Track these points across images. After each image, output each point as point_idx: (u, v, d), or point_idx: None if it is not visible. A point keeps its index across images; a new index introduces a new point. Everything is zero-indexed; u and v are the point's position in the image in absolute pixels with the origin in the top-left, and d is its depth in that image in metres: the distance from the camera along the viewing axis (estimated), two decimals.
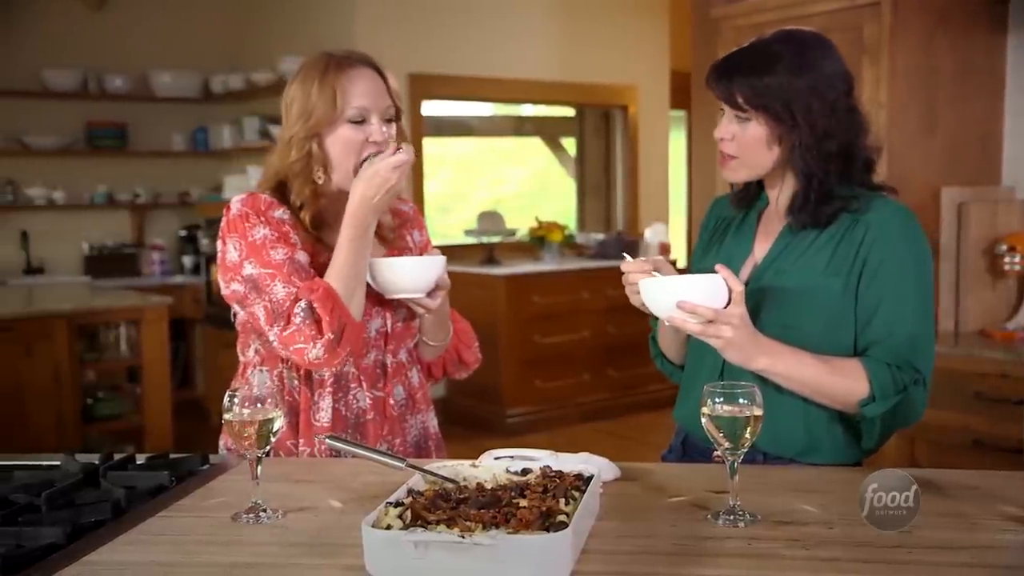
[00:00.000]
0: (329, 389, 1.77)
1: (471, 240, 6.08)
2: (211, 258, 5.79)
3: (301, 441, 1.77)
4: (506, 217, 6.20)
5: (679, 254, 7.05)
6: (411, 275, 1.75)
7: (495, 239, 6.04)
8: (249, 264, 1.69)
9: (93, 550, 1.26)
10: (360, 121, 1.73)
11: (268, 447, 1.39)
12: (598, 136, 7.15)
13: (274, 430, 1.38)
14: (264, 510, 1.37)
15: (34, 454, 1.72)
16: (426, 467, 1.37)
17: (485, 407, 5.56)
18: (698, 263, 1.77)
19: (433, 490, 1.30)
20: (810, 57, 1.58)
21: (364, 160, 1.73)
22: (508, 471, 1.38)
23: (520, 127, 7.55)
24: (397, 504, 1.23)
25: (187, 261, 6.40)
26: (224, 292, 1.75)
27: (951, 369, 2.69)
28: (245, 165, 5.85)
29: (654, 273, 1.57)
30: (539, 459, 1.42)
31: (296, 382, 1.77)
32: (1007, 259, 2.99)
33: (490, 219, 6.11)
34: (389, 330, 1.82)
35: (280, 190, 1.79)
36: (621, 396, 5.89)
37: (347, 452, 1.46)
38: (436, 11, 5.82)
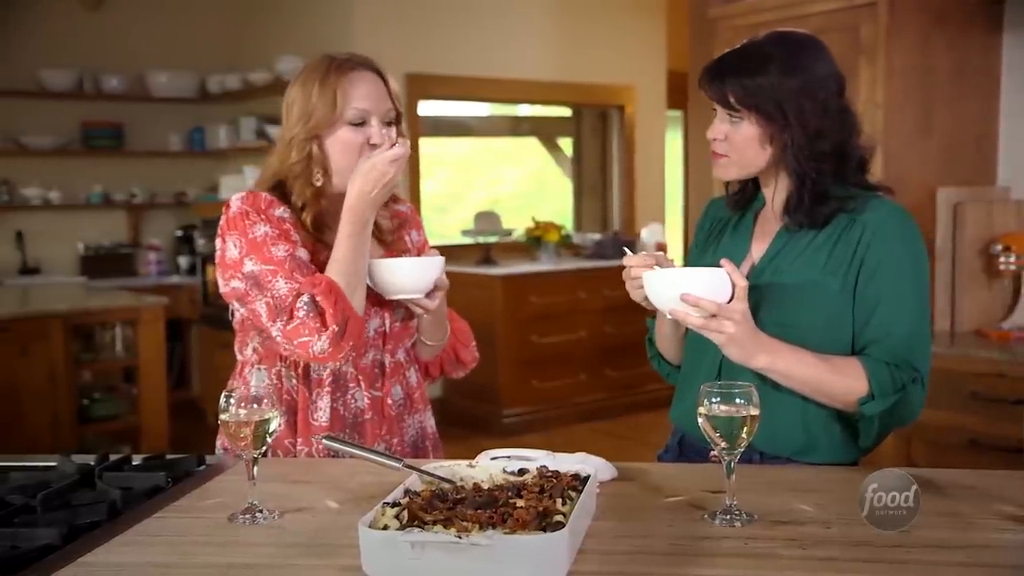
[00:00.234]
0: (327, 388, 1.77)
1: (468, 240, 6.07)
2: (207, 258, 5.79)
3: (299, 440, 1.77)
4: (503, 217, 6.20)
5: (675, 254, 7.03)
6: (410, 276, 1.75)
7: (492, 239, 6.04)
8: (250, 261, 1.69)
9: (89, 551, 1.25)
10: (360, 123, 1.73)
11: (264, 448, 1.38)
12: (595, 136, 7.15)
13: (270, 431, 1.38)
14: (260, 511, 1.37)
15: (30, 455, 1.71)
16: (423, 467, 1.37)
17: (482, 407, 5.56)
18: (694, 264, 1.77)
19: (430, 490, 1.30)
20: (802, 58, 1.59)
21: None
22: (505, 471, 1.38)
23: (517, 127, 7.55)
24: (394, 504, 1.23)
25: (183, 261, 6.39)
26: (223, 290, 1.74)
27: (947, 369, 2.69)
28: (242, 165, 5.85)
29: (656, 267, 1.57)
30: (536, 459, 1.42)
31: (294, 381, 1.77)
32: (1003, 259, 2.99)
33: (487, 219, 6.11)
34: (387, 330, 1.82)
35: (279, 190, 1.79)
36: (618, 396, 5.89)
37: (344, 452, 1.46)
38: (434, 11, 5.82)
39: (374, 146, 1.73)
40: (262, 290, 1.67)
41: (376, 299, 1.78)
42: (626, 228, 6.79)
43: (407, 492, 1.28)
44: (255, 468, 1.38)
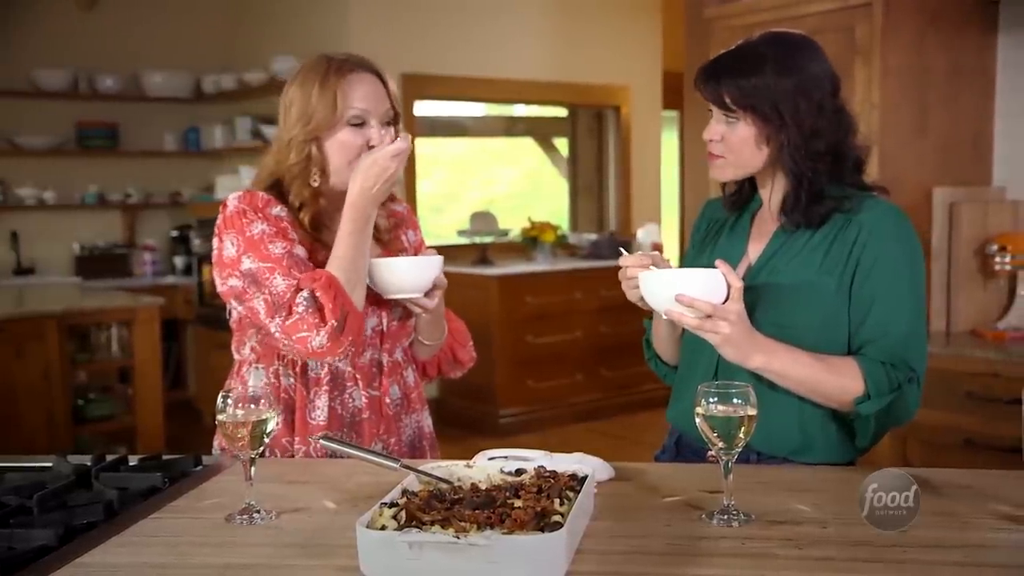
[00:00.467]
0: (325, 387, 1.77)
1: (464, 240, 6.07)
2: (203, 258, 5.79)
3: (296, 439, 1.77)
4: (498, 217, 6.20)
5: (671, 254, 7.06)
6: (409, 275, 1.75)
7: (488, 239, 6.04)
8: (247, 259, 1.68)
9: (86, 552, 1.25)
10: (360, 124, 1.73)
11: (262, 448, 1.38)
12: (591, 136, 7.15)
13: (268, 431, 1.38)
14: (258, 511, 1.37)
15: (25, 456, 1.71)
16: (420, 468, 1.37)
17: (478, 407, 5.56)
18: (691, 265, 1.77)
19: (427, 490, 1.30)
20: (796, 58, 1.60)
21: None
22: (502, 471, 1.38)
23: (512, 127, 7.55)
24: (392, 505, 1.23)
25: (179, 262, 6.38)
26: (221, 288, 1.74)
27: (943, 369, 2.70)
28: (237, 165, 5.84)
29: (652, 267, 1.57)
30: (533, 459, 1.42)
31: (292, 380, 1.77)
32: (998, 259, 3.00)
33: (483, 219, 6.11)
34: (385, 329, 1.82)
35: (275, 189, 1.79)
36: (614, 396, 5.90)
37: (341, 452, 1.46)
38: (429, 11, 5.82)
39: (373, 147, 1.73)
40: (260, 287, 1.67)
41: (374, 298, 1.78)
42: (622, 228, 6.80)
43: (405, 492, 1.28)
44: (252, 468, 1.38)
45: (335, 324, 1.63)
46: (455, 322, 1.99)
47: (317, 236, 1.79)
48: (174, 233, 6.47)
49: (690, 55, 4.08)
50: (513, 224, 6.24)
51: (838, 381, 1.55)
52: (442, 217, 6.91)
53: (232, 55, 6.36)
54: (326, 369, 1.77)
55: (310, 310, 1.63)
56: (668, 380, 1.86)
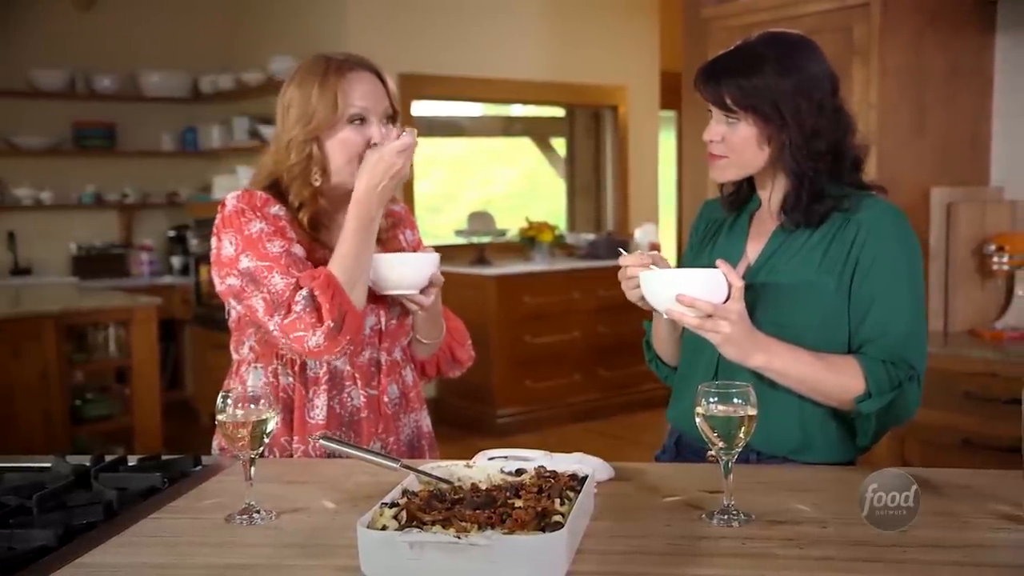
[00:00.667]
0: (324, 387, 1.77)
1: (462, 240, 6.07)
2: (200, 258, 5.78)
3: (295, 438, 1.77)
4: (495, 217, 6.20)
5: (669, 254, 7.05)
6: (405, 271, 1.75)
7: (485, 239, 6.04)
8: (246, 258, 1.69)
9: (85, 552, 1.25)
10: (360, 123, 1.74)
11: (262, 448, 1.38)
12: (588, 136, 7.15)
13: (268, 431, 1.38)
14: (258, 511, 1.37)
15: (23, 456, 1.71)
16: (420, 468, 1.36)
17: (476, 407, 5.55)
18: (690, 266, 1.77)
19: (428, 491, 1.29)
20: (796, 58, 1.60)
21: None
22: (502, 471, 1.38)
23: (510, 127, 7.55)
24: (392, 505, 1.22)
25: (176, 262, 6.37)
26: (219, 288, 1.74)
27: (941, 369, 2.70)
28: (235, 165, 5.84)
29: (652, 267, 1.57)
30: (533, 459, 1.42)
31: (291, 379, 1.77)
32: (995, 259, 3.01)
33: (480, 219, 6.11)
34: (383, 327, 1.82)
35: (273, 189, 1.79)
36: (612, 396, 5.90)
37: (341, 452, 1.46)
38: (427, 11, 5.81)
39: (375, 144, 1.73)
40: (258, 286, 1.67)
41: (372, 297, 1.78)
42: (619, 228, 6.80)
43: (405, 492, 1.28)
44: (252, 468, 1.38)
45: (331, 325, 1.63)
46: (453, 321, 1.99)
47: (316, 236, 1.79)
48: (171, 233, 6.47)
49: (688, 55, 4.08)
50: (510, 224, 6.24)
51: (839, 379, 1.55)
52: (440, 217, 6.90)
53: (230, 55, 6.36)
54: (324, 368, 1.77)
55: (308, 309, 1.63)
56: (669, 381, 1.86)
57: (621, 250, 1.70)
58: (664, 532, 1.29)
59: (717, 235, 1.78)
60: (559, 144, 7.36)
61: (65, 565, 1.21)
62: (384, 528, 1.17)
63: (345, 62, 1.75)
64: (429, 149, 6.69)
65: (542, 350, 5.65)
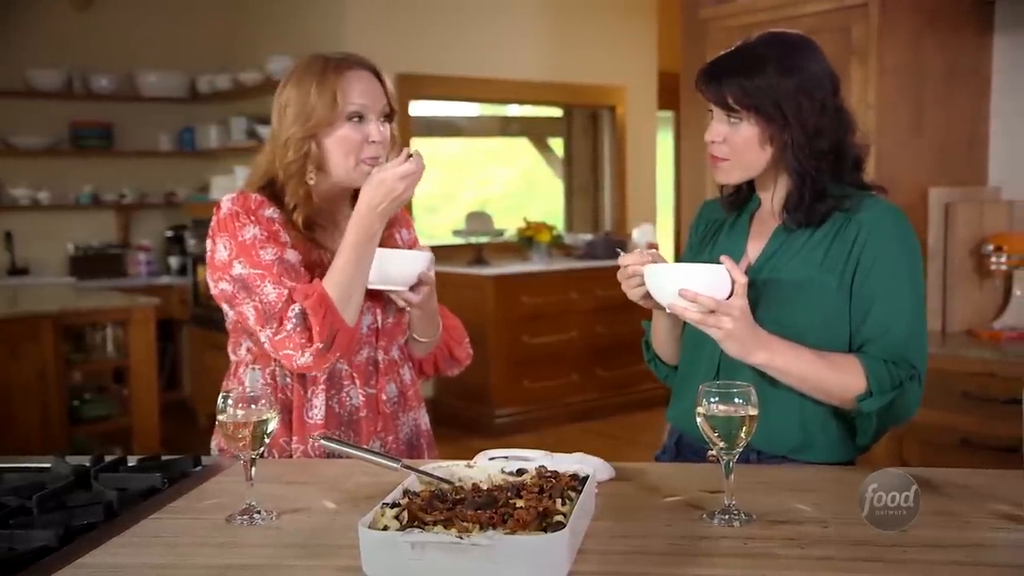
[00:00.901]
0: (322, 387, 1.77)
1: (459, 240, 6.07)
2: (198, 259, 5.78)
3: (294, 439, 1.77)
4: (493, 217, 6.20)
5: (667, 255, 7.03)
6: (393, 268, 1.75)
7: (483, 239, 6.04)
8: (239, 263, 1.69)
9: (86, 553, 1.25)
10: (359, 121, 1.74)
11: (262, 448, 1.38)
12: (586, 137, 7.15)
13: (268, 431, 1.38)
14: (258, 511, 1.37)
15: (22, 456, 1.71)
16: (421, 468, 1.36)
17: (474, 407, 5.55)
18: None
19: (429, 491, 1.30)
20: (797, 58, 1.61)
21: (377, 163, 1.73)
22: (503, 472, 1.38)
23: (507, 127, 7.55)
24: (393, 505, 1.22)
25: (173, 262, 6.37)
26: (213, 291, 1.75)
27: (939, 369, 2.70)
28: (232, 165, 5.83)
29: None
30: (534, 459, 1.42)
31: (289, 380, 1.77)
32: (993, 259, 3.01)
33: (478, 219, 6.11)
34: (380, 326, 1.82)
35: (268, 189, 1.79)
36: (609, 396, 5.90)
37: (341, 453, 1.46)
38: (425, 11, 5.81)
39: (373, 143, 1.74)
40: (250, 294, 1.68)
41: (368, 295, 1.78)
42: (617, 229, 6.80)
43: (406, 493, 1.28)
44: (253, 469, 1.38)
45: (320, 347, 1.65)
46: (451, 319, 1.99)
47: (311, 236, 1.79)
48: (169, 233, 6.46)
49: (686, 56, 4.09)
50: (508, 224, 6.24)
51: (840, 378, 1.55)
52: (437, 217, 6.90)
53: (227, 55, 6.35)
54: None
55: (299, 328, 1.65)
56: (668, 381, 1.85)
57: (619, 250, 1.70)
58: (665, 532, 1.29)
59: (717, 235, 1.78)
60: (557, 144, 7.37)
61: (66, 566, 1.21)
62: (386, 528, 1.17)
63: (343, 61, 1.76)
64: (427, 149, 6.66)
65: (540, 350, 5.65)
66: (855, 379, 1.54)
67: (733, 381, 1.37)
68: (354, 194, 1.76)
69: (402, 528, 1.16)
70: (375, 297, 1.80)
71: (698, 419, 1.32)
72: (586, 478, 1.33)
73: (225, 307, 1.76)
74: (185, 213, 6.36)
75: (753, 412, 1.31)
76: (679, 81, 4.25)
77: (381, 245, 1.87)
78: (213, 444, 1.86)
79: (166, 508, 1.43)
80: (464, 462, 1.40)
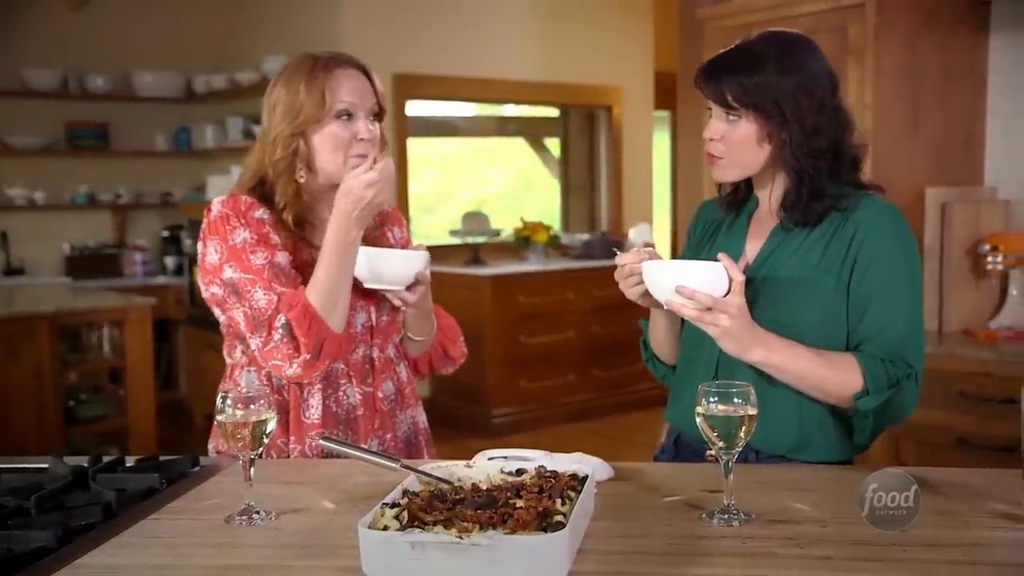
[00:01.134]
0: (319, 386, 1.77)
1: (456, 240, 6.07)
2: (194, 259, 5.76)
3: (292, 439, 1.77)
4: (489, 217, 6.20)
5: (663, 254, 7.02)
6: (391, 267, 1.75)
7: (480, 239, 6.04)
8: (229, 268, 1.69)
9: (85, 553, 1.25)
10: (348, 118, 1.74)
11: (262, 448, 1.38)
12: (582, 136, 7.16)
13: (267, 431, 1.38)
14: (257, 512, 1.37)
15: (18, 456, 1.70)
16: (420, 468, 1.36)
17: (470, 407, 5.55)
18: None
19: (428, 491, 1.29)
20: (796, 57, 1.61)
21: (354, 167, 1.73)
22: (502, 472, 1.38)
23: (504, 127, 7.55)
24: (393, 505, 1.22)
25: (170, 262, 6.36)
26: (204, 294, 1.76)
27: (935, 368, 2.70)
28: (228, 165, 5.82)
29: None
30: (533, 459, 1.42)
31: (284, 381, 1.77)
32: (990, 259, 3.01)
33: (475, 219, 6.11)
34: (375, 324, 1.82)
35: (259, 189, 1.79)
36: (606, 396, 5.90)
37: (340, 453, 1.46)
38: (421, 11, 5.81)
39: (362, 140, 1.74)
40: (240, 299, 1.68)
41: (362, 293, 1.78)
42: (614, 228, 6.80)
43: (405, 493, 1.28)
44: (252, 469, 1.37)
45: (307, 357, 1.65)
46: (445, 318, 1.99)
47: (301, 234, 1.79)
48: (165, 233, 6.45)
49: (682, 56, 4.08)
50: (504, 224, 6.24)
51: (837, 376, 1.55)
52: (433, 217, 6.90)
53: (223, 55, 6.34)
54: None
55: (286, 339, 1.65)
56: (666, 381, 1.86)
57: (616, 250, 1.70)
58: (665, 532, 1.29)
59: (715, 235, 1.78)
60: (553, 144, 7.37)
61: (65, 566, 1.20)
62: (385, 528, 1.16)
63: (332, 59, 1.76)
64: (423, 149, 6.69)
65: (536, 350, 5.65)
66: (852, 377, 1.55)
67: (732, 381, 1.37)
68: None
69: (402, 528, 1.16)
70: (369, 295, 1.80)
71: (697, 419, 1.32)
72: (585, 478, 1.33)
73: (216, 311, 1.75)
74: (181, 213, 6.35)
75: (752, 412, 1.31)
76: (675, 81, 4.25)
77: (374, 244, 1.88)
78: (211, 447, 1.86)
79: (165, 509, 1.43)
80: (463, 462, 1.40)
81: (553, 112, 7.24)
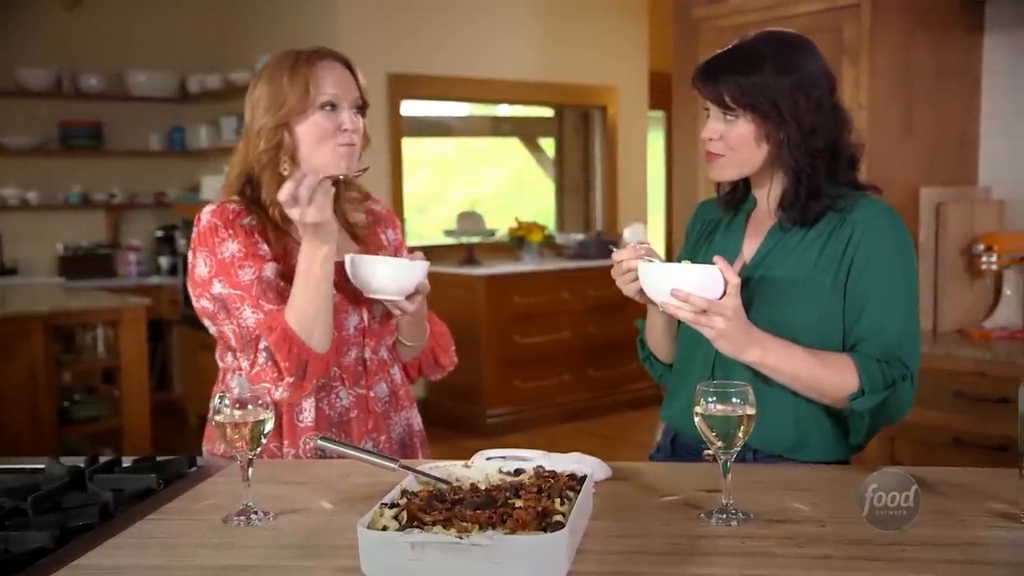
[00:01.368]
0: (311, 389, 1.76)
1: (451, 240, 6.07)
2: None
3: (285, 443, 1.77)
4: (484, 217, 6.20)
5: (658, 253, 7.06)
6: (393, 278, 1.72)
7: (475, 239, 6.03)
8: (218, 283, 1.69)
9: (82, 554, 1.24)
10: (332, 109, 1.73)
11: (260, 448, 1.38)
12: (577, 136, 7.16)
13: (265, 431, 1.38)
14: (255, 512, 1.36)
15: (13, 457, 1.70)
16: (418, 468, 1.36)
17: (465, 407, 5.55)
18: None
19: (427, 491, 1.29)
20: (793, 56, 1.61)
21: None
22: (501, 472, 1.38)
23: (498, 127, 7.55)
24: (392, 505, 1.22)
25: (164, 262, 6.34)
26: (195, 305, 1.75)
27: (930, 368, 2.69)
28: (222, 165, 5.77)
29: (648, 259, 1.58)
30: (531, 459, 1.42)
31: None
32: (984, 259, 3.02)
33: (470, 219, 6.10)
34: (367, 326, 1.82)
35: (248, 193, 1.78)
36: (601, 396, 5.91)
37: (339, 453, 1.46)
38: (416, 11, 5.81)
39: (346, 131, 1.73)
40: (229, 316, 1.69)
41: (354, 296, 1.77)
42: (608, 228, 6.81)
43: (404, 493, 1.28)
44: (250, 469, 1.37)
45: (291, 381, 1.65)
46: (438, 325, 1.97)
47: (290, 235, 1.77)
48: (159, 233, 6.44)
49: (678, 56, 4.09)
50: (498, 224, 6.24)
51: (833, 376, 1.55)
52: (426, 217, 6.89)
53: (218, 55, 6.33)
54: None
55: (269, 363, 1.65)
56: (664, 381, 1.86)
57: (612, 248, 1.70)
58: (663, 531, 1.29)
59: (713, 234, 1.79)
60: (547, 144, 7.36)
61: (63, 567, 1.20)
62: (385, 528, 1.16)
63: (315, 52, 1.76)
64: (417, 149, 6.68)
65: (531, 350, 5.65)
66: (848, 378, 1.55)
67: (730, 380, 1.37)
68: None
69: (401, 528, 1.16)
70: (361, 297, 1.78)
71: (696, 419, 1.32)
72: (584, 478, 1.33)
73: (207, 322, 1.75)
74: (175, 213, 6.33)
75: (751, 412, 1.31)
76: (670, 81, 4.26)
77: (366, 246, 1.86)
78: (204, 448, 1.85)
79: (162, 509, 1.43)
80: (461, 462, 1.40)
81: (548, 112, 7.24)
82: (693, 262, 1.71)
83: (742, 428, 1.30)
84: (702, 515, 1.33)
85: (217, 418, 1.36)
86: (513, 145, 7.54)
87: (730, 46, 1.65)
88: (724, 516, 1.31)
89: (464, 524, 1.15)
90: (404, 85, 5.74)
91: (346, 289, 1.75)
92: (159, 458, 1.65)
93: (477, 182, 7.66)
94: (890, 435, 2.84)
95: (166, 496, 1.48)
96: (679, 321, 1.72)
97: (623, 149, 6.93)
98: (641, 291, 1.60)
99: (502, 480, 1.35)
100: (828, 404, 1.60)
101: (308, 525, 1.35)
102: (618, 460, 1.58)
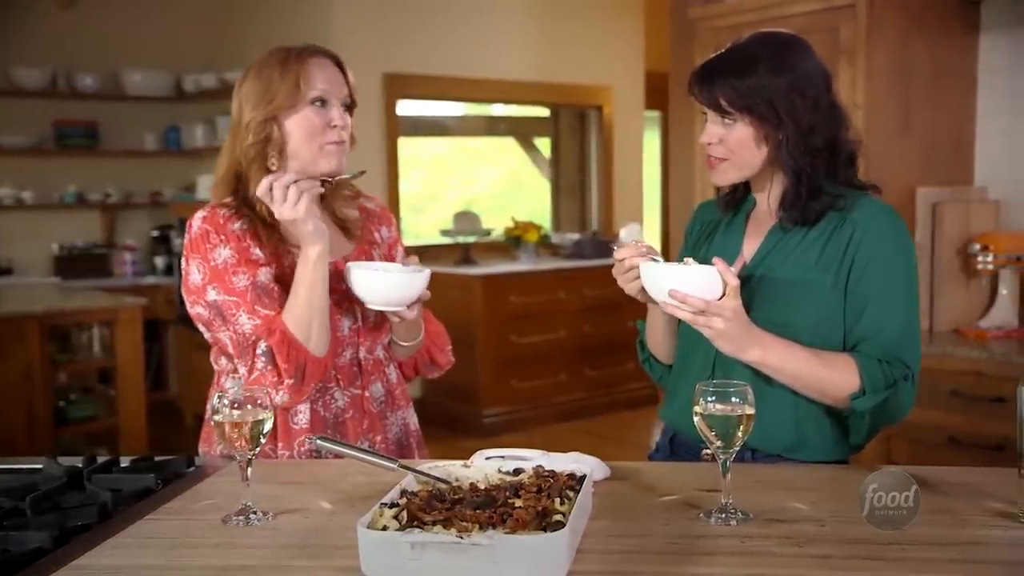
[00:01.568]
0: None
1: (447, 240, 6.06)
2: None
3: (280, 444, 1.76)
4: (480, 217, 6.20)
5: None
6: (396, 289, 1.70)
7: (471, 239, 6.03)
8: (213, 290, 1.69)
9: (81, 554, 1.24)
10: (322, 105, 1.73)
11: (259, 448, 1.37)
12: (573, 136, 7.16)
13: (264, 431, 1.37)
14: (254, 512, 1.36)
15: (10, 457, 1.69)
16: (418, 468, 1.36)
17: (461, 407, 5.55)
18: None
19: (427, 491, 1.29)
20: (788, 57, 1.61)
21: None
22: (500, 471, 1.37)
23: (494, 127, 7.54)
24: (392, 505, 1.22)
25: (159, 262, 6.33)
26: (190, 311, 1.74)
27: (926, 368, 2.67)
28: None
29: (649, 256, 1.58)
30: (531, 459, 1.42)
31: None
32: (980, 258, 3.03)
33: (466, 219, 6.10)
34: (361, 326, 1.81)
35: (238, 194, 1.77)
36: (597, 395, 5.91)
37: (338, 453, 1.46)
38: (412, 11, 5.80)
39: (335, 127, 1.73)
40: (226, 323, 1.68)
41: (348, 296, 1.76)
42: (604, 228, 6.81)
43: (404, 493, 1.27)
44: (249, 469, 1.37)
45: (291, 383, 1.65)
46: (434, 325, 1.97)
47: (280, 236, 1.76)
48: (155, 233, 6.42)
49: (674, 56, 4.09)
50: (494, 224, 6.24)
51: (833, 376, 1.56)
52: (422, 217, 6.89)
53: (213, 54, 6.32)
54: None
55: (269, 367, 1.65)
56: (663, 382, 1.85)
57: (612, 247, 1.70)
58: (663, 531, 1.29)
59: (713, 235, 1.79)
60: (543, 144, 7.36)
61: (62, 567, 1.20)
62: (385, 528, 1.16)
63: (305, 49, 1.76)
64: (413, 149, 6.68)
65: (528, 350, 5.65)
66: (848, 377, 1.55)
67: (730, 380, 1.37)
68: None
69: (401, 528, 1.16)
70: (354, 298, 1.77)
71: (695, 418, 1.32)
72: (583, 477, 1.33)
73: (203, 328, 1.74)
74: (171, 213, 6.32)
75: (750, 411, 1.31)
76: (666, 81, 4.26)
77: (360, 244, 1.86)
78: (201, 449, 1.85)
79: (161, 509, 1.43)
80: (460, 462, 1.40)
81: (544, 112, 7.23)
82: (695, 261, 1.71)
83: (741, 428, 1.30)
84: (701, 515, 1.33)
85: (216, 418, 1.36)
86: (509, 145, 7.54)
87: (724, 49, 1.65)
88: (723, 516, 1.31)
89: (464, 524, 1.15)
90: (400, 85, 5.74)
91: (339, 290, 1.75)
92: (157, 458, 1.65)
93: (473, 182, 7.66)
94: (886, 435, 2.85)
95: (165, 496, 1.48)
96: (680, 321, 1.72)
97: (619, 149, 6.93)
98: (642, 290, 1.59)
99: (501, 480, 1.35)
100: (829, 404, 1.60)
101: (307, 525, 1.35)
102: (614, 460, 1.58)
